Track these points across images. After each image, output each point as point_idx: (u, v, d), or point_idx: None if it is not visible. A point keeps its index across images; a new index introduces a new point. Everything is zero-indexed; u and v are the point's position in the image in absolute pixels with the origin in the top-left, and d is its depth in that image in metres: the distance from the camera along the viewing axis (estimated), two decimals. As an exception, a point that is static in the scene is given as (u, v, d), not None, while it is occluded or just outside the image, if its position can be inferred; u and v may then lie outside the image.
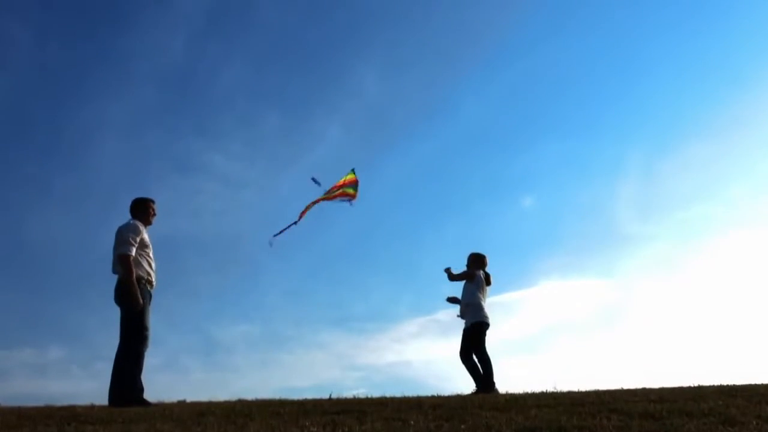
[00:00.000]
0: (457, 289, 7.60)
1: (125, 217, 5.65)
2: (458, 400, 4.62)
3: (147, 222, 5.66)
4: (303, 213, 7.59)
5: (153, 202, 5.76)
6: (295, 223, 7.47)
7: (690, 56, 22.16)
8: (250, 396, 5.90)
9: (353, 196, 7.95)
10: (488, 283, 7.49)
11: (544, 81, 22.39)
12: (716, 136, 21.31)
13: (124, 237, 5.38)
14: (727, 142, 21.10)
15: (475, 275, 7.42)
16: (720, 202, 20.58)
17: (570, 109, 22.80)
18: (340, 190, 7.91)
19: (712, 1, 21.71)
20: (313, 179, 7.64)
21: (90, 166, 19.69)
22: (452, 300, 7.56)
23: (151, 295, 5.51)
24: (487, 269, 7.58)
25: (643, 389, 5.25)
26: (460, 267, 7.61)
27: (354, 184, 7.99)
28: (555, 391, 5.48)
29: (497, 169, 21.92)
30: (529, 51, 22.37)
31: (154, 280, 5.55)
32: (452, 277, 7.48)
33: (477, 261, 7.57)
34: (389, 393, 5.56)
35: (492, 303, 7.57)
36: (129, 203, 5.70)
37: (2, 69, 18.53)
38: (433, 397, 5.26)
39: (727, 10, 21.52)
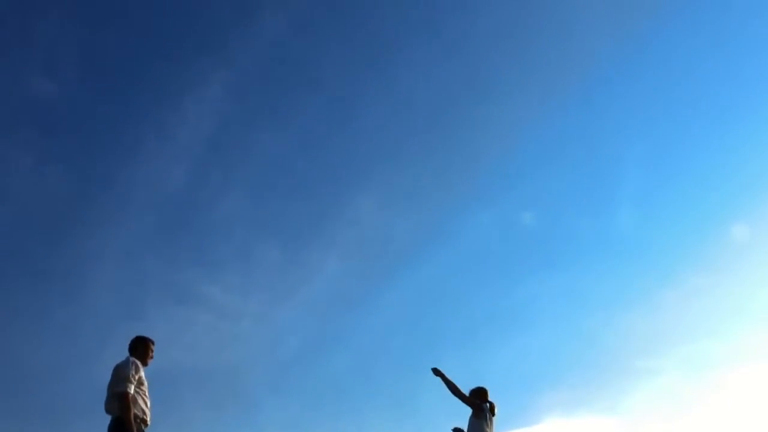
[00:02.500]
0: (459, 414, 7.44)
1: (121, 348, 5.71)
2: None
3: (144, 362, 5.69)
4: None
5: (153, 343, 5.84)
6: None
7: (685, 184, 22.92)
8: None
9: None
10: (493, 413, 7.38)
11: (543, 209, 22.97)
12: (713, 269, 21.54)
13: (122, 374, 5.39)
14: (724, 274, 21.30)
15: (482, 408, 7.29)
16: (724, 337, 20.37)
17: (570, 239, 23.20)
18: None
19: (706, 134, 22.81)
20: None
21: (87, 294, 19.64)
22: (458, 431, 7.40)
23: (145, 435, 5.43)
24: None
25: None
26: (459, 402, 7.49)
27: None
28: None
29: (497, 299, 21.90)
30: (527, 179, 23.18)
31: (148, 419, 5.49)
32: (449, 385, 7.32)
33: (479, 395, 7.46)
34: None
35: (495, 441, 7.38)
36: (124, 334, 5.83)
37: (1, 195, 19.04)
38: None
39: (719, 148, 22.54)
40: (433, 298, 21.58)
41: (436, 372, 7.39)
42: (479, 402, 7.35)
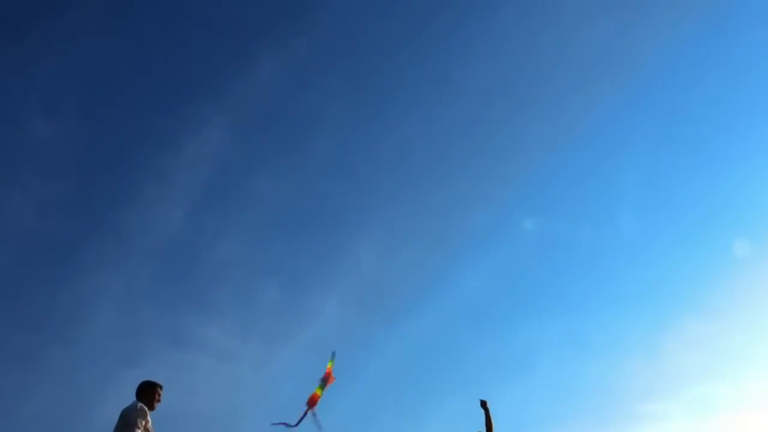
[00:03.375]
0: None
1: (121, 392, 5.72)
2: None
3: (151, 407, 5.66)
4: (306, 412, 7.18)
5: (161, 388, 5.80)
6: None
7: (686, 229, 23.04)
8: None
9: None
10: None
11: (543, 256, 22.97)
12: (713, 314, 21.51)
13: (130, 419, 5.39)
14: (727, 319, 21.28)
15: None
16: (728, 381, 20.22)
17: (569, 285, 23.10)
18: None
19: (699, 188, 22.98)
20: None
21: (84, 339, 19.39)
22: None
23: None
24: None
25: None
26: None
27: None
28: None
29: (498, 345, 21.67)
30: (525, 223, 23.27)
31: (154, 465, 5.48)
32: (488, 421, 7.34)
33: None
34: None
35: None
36: (123, 378, 5.83)
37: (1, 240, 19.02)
38: None
39: (720, 187, 22.71)
40: (434, 343, 21.37)
41: (484, 405, 7.46)
42: None
